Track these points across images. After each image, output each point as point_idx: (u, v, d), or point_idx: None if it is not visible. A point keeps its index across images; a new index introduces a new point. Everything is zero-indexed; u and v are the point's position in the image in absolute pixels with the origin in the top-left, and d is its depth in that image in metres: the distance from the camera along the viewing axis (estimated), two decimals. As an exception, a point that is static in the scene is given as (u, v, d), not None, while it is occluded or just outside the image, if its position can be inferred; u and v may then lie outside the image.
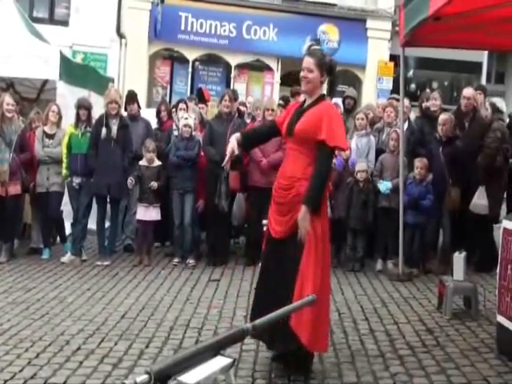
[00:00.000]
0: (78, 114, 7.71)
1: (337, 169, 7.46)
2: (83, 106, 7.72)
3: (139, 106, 8.71)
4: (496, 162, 7.32)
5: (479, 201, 7.18)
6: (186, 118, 7.76)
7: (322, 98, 4.34)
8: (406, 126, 7.91)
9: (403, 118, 7.49)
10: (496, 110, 7.80)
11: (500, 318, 4.66)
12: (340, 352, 4.70)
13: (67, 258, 7.62)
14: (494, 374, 4.32)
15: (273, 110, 7.77)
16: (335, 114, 4.36)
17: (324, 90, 15.34)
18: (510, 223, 4.68)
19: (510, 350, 4.57)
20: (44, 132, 7.82)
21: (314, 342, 4.09)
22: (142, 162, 7.75)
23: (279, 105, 8.90)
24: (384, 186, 7.50)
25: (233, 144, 4.36)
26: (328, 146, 4.14)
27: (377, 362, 4.51)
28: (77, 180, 7.63)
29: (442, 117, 7.44)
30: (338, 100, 8.90)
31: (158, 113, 8.74)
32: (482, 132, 7.45)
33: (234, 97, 8.41)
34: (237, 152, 4.41)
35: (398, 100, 8.29)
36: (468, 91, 8.07)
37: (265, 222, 6.56)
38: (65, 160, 7.67)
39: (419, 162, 7.40)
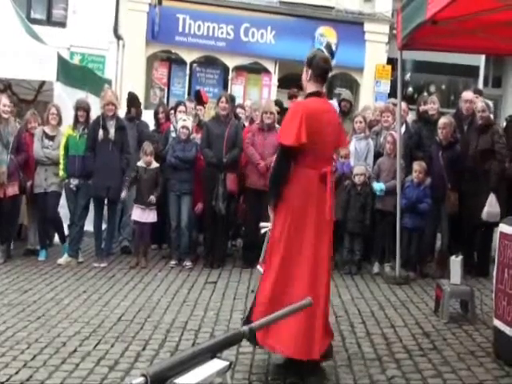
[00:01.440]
0: (76, 116, 7.71)
1: (337, 171, 7.47)
2: (82, 108, 7.72)
3: (141, 110, 8.77)
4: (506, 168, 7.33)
5: (492, 209, 7.08)
6: (184, 120, 7.77)
7: (306, 97, 4.28)
8: (403, 129, 7.92)
9: (400, 121, 7.50)
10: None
11: (497, 322, 4.66)
12: (337, 355, 4.68)
13: (64, 259, 7.60)
14: (490, 378, 4.32)
15: (271, 112, 7.77)
16: (289, 110, 4.28)
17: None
18: (506, 227, 4.68)
19: (506, 354, 4.57)
20: (44, 132, 7.81)
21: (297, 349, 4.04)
22: (140, 163, 7.75)
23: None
24: (378, 186, 7.51)
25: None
26: (279, 144, 4.17)
27: (373, 365, 4.51)
28: (74, 182, 7.61)
29: (443, 120, 7.44)
30: (334, 102, 8.90)
31: (156, 114, 8.74)
32: (479, 135, 7.45)
33: (231, 100, 8.43)
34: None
35: (395, 105, 8.30)
36: (468, 94, 8.09)
37: (262, 224, 6.58)
38: (62, 161, 7.65)
39: (417, 166, 7.40)
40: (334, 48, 4.19)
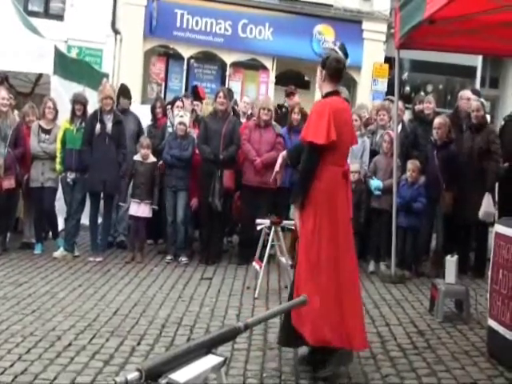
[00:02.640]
0: (73, 109, 7.69)
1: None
2: (79, 102, 7.70)
3: (130, 102, 8.68)
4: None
5: (489, 209, 7.09)
6: (182, 116, 7.76)
7: (324, 97, 4.36)
8: (399, 128, 7.93)
9: (397, 120, 7.51)
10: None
11: (491, 322, 4.68)
12: (331, 352, 4.70)
13: (59, 253, 7.59)
14: (484, 377, 4.33)
15: (268, 109, 7.76)
16: (315, 109, 4.34)
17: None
18: (502, 227, 4.70)
19: (500, 354, 4.59)
20: (40, 126, 7.79)
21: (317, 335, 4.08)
22: (137, 157, 7.74)
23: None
24: (375, 183, 7.51)
25: (280, 162, 4.48)
26: (306, 142, 4.21)
27: (368, 363, 4.51)
28: (71, 176, 7.60)
29: (438, 120, 7.44)
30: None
31: (153, 109, 8.71)
32: (474, 134, 7.46)
33: (229, 96, 8.41)
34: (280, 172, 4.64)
35: (392, 101, 8.31)
36: (467, 93, 8.11)
37: (259, 221, 6.60)
38: (59, 155, 7.64)
39: (411, 165, 7.42)
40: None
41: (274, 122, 7.93)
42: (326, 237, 4.14)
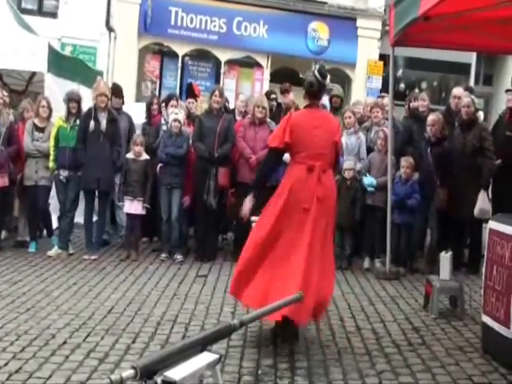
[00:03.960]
0: (68, 108, 7.66)
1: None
2: (73, 99, 7.67)
3: (123, 101, 8.66)
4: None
5: (484, 206, 7.09)
6: (176, 113, 7.75)
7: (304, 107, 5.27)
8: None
9: (392, 117, 7.52)
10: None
11: (485, 318, 4.69)
12: (327, 349, 4.71)
13: (54, 251, 7.58)
14: (478, 373, 4.35)
15: (263, 107, 7.76)
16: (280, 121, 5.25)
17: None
18: (495, 224, 4.71)
19: (494, 350, 4.61)
20: (34, 125, 7.77)
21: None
22: (129, 155, 7.72)
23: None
24: (368, 180, 7.52)
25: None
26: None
27: (363, 359, 4.53)
28: (64, 173, 7.58)
29: (431, 117, 7.46)
30: (325, 98, 8.93)
31: (150, 105, 8.67)
32: (465, 131, 7.47)
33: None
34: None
35: (383, 97, 8.31)
36: (458, 90, 8.12)
37: (253, 218, 6.61)
38: (52, 152, 7.62)
39: (404, 162, 7.44)
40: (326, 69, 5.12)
41: (268, 120, 7.93)
42: (274, 218, 4.79)
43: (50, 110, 7.82)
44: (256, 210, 6.93)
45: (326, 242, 4.89)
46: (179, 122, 7.66)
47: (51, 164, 7.64)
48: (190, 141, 7.77)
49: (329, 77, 5.05)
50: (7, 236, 8.24)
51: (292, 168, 4.94)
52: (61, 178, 7.60)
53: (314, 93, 5.01)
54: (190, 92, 9.27)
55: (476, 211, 7.09)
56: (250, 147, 7.68)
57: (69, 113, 7.66)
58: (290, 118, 5.01)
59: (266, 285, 4.66)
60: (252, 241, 4.91)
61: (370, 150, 7.97)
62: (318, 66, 5.01)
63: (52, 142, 7.62)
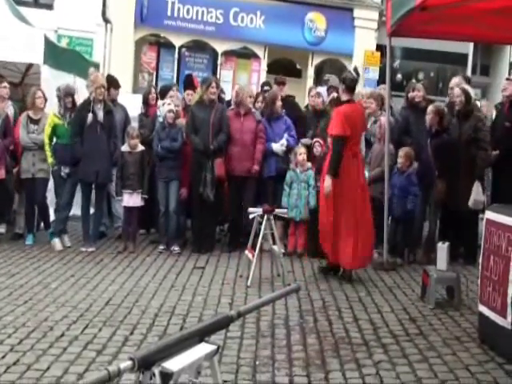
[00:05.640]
0: (64, 103, 7.61)
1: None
2: (69, 94, 7.63)
3: (118, 92, 8.62)
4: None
5: (478, 197, 7.11)
6: (169, 104, 7.71)
7: (343, 103, 6.55)
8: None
9: (388, 107, 7.51)
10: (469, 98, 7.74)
11: (482, 308, 4.71)
12: (324, 340, 4.73)
13: (54, 244, 7.54)
14: (475, 362, 4.37)
15: (250, 96, 7.95)
16: (334, 115, 6.54)
17: (311, 78, 15.39)
18: (492, 214, 4.72)
19: (491, 340, 4.63)
20: (29, 117, 7.73)
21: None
22: (124, 148, 7.69)
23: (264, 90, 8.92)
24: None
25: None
26: (332, 136, 6.48)
27: (360, 349, 4.55)
28: (65, 170, 7.52)
29: (429, 108, 7.46)
30: (323, 89, 8.92)
31: (147, 95, 8.64)
32: (461, 122, 7.46)
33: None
34: None
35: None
36: (454, 81, 8.12)
37: (251, 209, 6.61)
38: (48, 149, 7.56)
39: (401, 152, 7.42)
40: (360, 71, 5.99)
41: (253, 109, 7.95)
42: (339, 194, 6.37)
43: (45, 100, 7.78)
44: (254, 202, 6.98)
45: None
46: (174, 112, 7.63)
47: (50, 160, 7.56)
48: (184, 133, 7.76)
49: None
50: (6, 229, 8.22)
51: (344, 155, 6.31)
52: (62, 174, 7.54)
53: (353, 88, 6.41)
54: (189, 83, 9.21)
55: (470, 202, 7.10)
56: (238, 139, 7.66)
57: (65, 108, 7.62)
58: (341, 112, 6.32)
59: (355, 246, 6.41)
60: (327, 221, 6.48)
61: (366, 141, 7.94)
62: (353, 66, 5.58)
63: (46, 140, 7.53)
